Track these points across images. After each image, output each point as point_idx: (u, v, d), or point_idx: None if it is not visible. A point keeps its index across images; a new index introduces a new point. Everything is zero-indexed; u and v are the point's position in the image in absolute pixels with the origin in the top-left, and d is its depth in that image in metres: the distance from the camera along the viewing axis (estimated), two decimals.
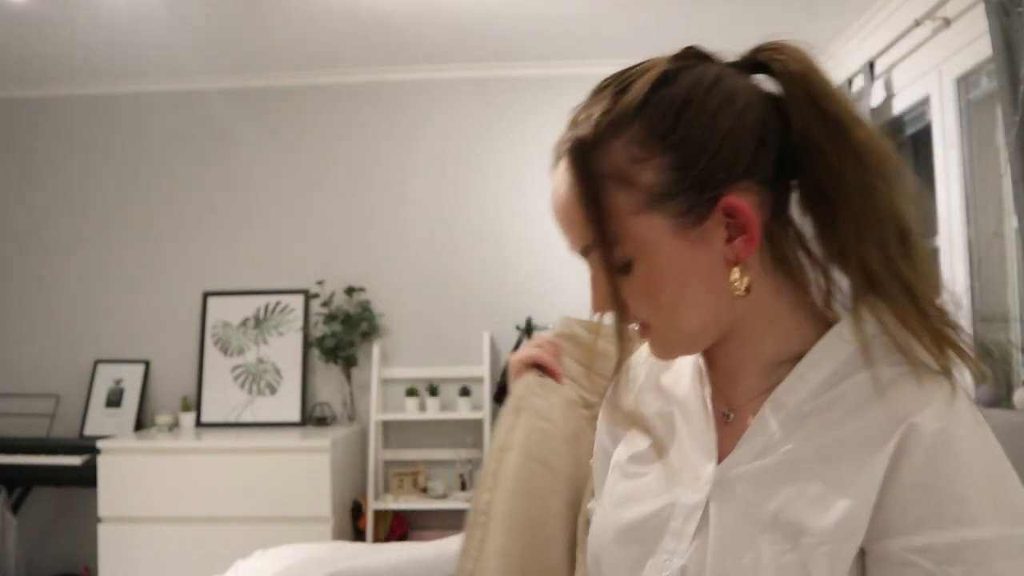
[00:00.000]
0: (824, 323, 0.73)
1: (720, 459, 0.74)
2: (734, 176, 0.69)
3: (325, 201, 4.01)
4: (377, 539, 3.67)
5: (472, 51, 3.75)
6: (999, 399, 2.45)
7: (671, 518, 0.74)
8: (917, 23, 2.76)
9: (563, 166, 0.72)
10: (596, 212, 0.69)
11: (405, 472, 3.80)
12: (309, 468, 3.39)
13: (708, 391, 0.79)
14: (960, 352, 0.69)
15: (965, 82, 2.73)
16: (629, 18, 3.35)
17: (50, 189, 4.07)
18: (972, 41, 2.56)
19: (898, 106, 3.17)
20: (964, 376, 0.70)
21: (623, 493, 0.80)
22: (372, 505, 3.69)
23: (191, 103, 4.03)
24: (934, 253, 2.95)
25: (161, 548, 3.35)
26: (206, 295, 4.00)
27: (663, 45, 0.75)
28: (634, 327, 0.75)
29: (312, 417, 3.89)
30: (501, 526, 1.01)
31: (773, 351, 0.74)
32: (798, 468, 0.68)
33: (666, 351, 0.77)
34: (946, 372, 0.67)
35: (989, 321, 2.66)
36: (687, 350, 0.77)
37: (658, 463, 0.79)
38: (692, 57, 0.73)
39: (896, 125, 3.30)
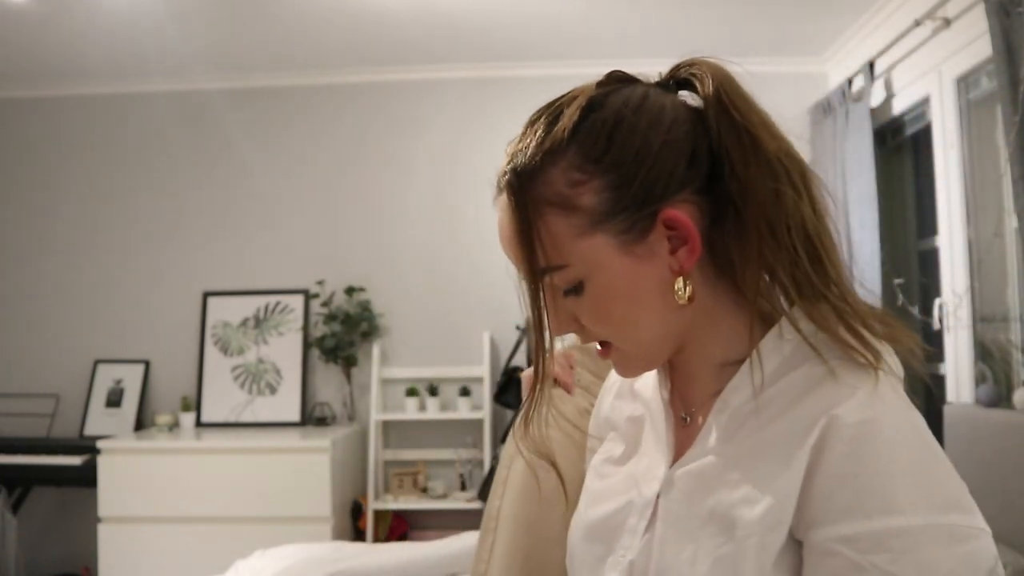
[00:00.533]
0: (770, 325, 0.75)
1: (677, 459, 0.77)
2: (671, 189, 0.71)
3: (325, 201, 4.01)
4: (377, 539, 3.67)
5: (473, 51, 3.75)
6: (999, 399, 2.45)
7: (628, 516, 0.78)
8: (917, 23, 2.77)
9: (504, 199, 0.75)
10: (539, 240, 0.71)
11: (405, 472, 3.80)
12: (309, 468, 3.39)
13: (666, 395, 0.82)
14: (890, 337, 0.71)
15: (965, 82, 2.73)
16: (629, 18, 3.35)
17: (50, 189, 4.07)
18: (972, 41, 2.56)
19: (898, 106, 3.17)
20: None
21: (594, 493, 0.84)
22: (372, 505, 3.69)
23: (191, 103, 4.03)
24: (934, 253, 2.96)
25: (161, 548, 3.35)
26: (206, 295, 4.00)
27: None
28: (595, 346, 0.78)
29: (312, 417, 3.89)
30: (507, 529, 1.06)
31: (721, 354, 0.76)
32: (735, 465, 0.71)
33: (629, 368, 0.79)
34: (871, 364, 0.68)
35: (989, 321, 2.66)
36: (649, 364, 0.79)
37: (628, 464, 0.83)
38: (616, 81, 0.76)
39: (896, 125, 3.30)
